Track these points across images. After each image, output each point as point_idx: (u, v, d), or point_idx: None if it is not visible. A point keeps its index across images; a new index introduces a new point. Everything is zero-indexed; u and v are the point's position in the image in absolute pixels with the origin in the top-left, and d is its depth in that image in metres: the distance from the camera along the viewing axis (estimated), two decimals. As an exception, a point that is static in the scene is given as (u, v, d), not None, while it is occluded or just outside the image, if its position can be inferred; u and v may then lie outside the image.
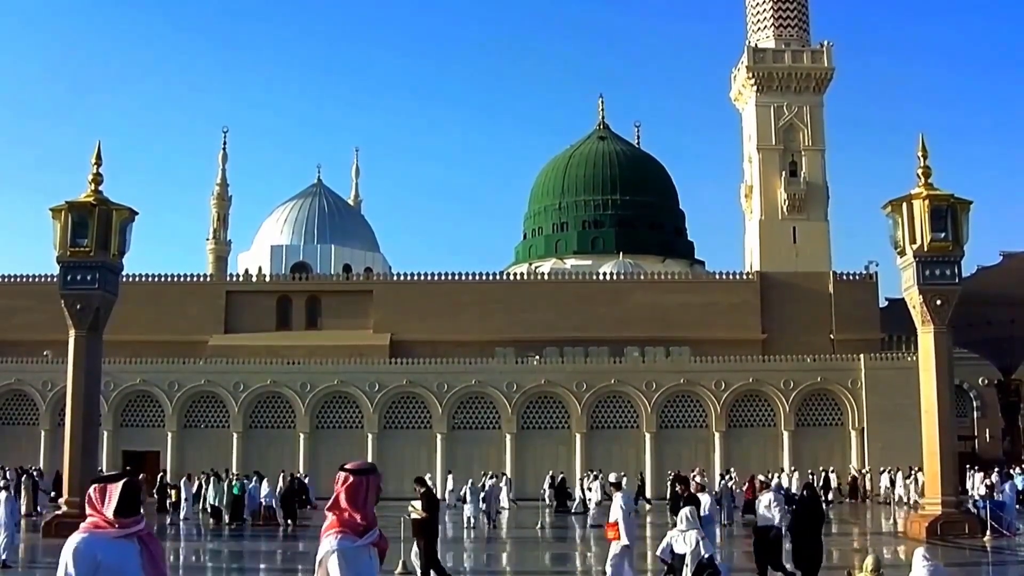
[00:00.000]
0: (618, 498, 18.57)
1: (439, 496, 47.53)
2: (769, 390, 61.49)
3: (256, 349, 65.37)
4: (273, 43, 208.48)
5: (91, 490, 6.03)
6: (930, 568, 12.84)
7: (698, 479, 21.04)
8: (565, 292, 71.85)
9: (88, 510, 6.01)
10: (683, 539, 17.27)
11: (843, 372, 61.68)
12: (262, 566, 30.03)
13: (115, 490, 5.96)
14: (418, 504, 20.61)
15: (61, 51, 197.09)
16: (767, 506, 20.09)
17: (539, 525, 39.75)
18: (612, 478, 20.75)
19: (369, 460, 6.67)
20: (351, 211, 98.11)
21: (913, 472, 50.19)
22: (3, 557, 24.35)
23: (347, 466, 6.35)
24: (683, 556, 17.17)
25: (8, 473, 45.50)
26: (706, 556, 16.87)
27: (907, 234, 32.33)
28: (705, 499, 19.42)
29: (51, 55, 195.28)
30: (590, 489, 43.60)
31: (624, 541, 17.92)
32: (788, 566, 19.91)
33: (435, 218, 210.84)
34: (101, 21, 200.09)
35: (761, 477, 47.48)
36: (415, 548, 20.44)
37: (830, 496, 51.66)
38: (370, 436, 60.83)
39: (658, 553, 18.36)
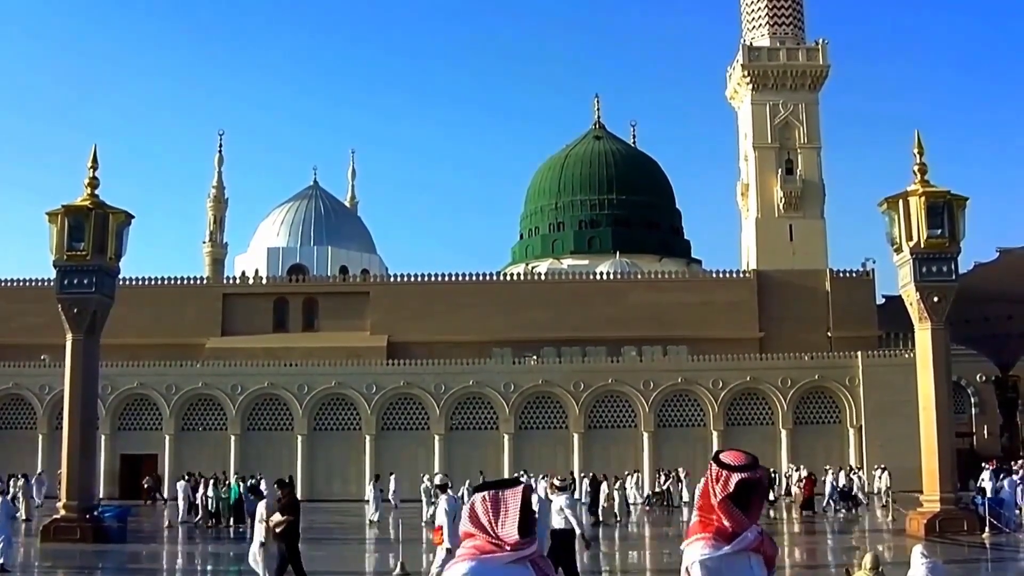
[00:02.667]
0: (442, 501, 18.42)
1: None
2: (767, 388, 61.50)
3: (253, 351, 65.32)
4: (268, 45, 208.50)
5: (475, 501, 4.76)
6: (928, 565, 12.84)
7: (556, 481, 20.34)
8: (562, 292, 71.84)
9: (470, 526, 4.74)
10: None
11: (841, 370, 61.70)
12: (263, 566, 29.95)
13: (513, 500, 4.69)
14: (277, 516, 19.15)
15: (57, 54, 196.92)
16: (559, 510, 18.68)
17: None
18: (438, 480, 20.20)
19: (731, 452, 5.40)
20: (347, 212, 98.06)
21: (875, 471, 52.44)
22: (0, 561, 24.29)
23: (722, 457, 5.32)
24: None
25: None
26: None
27: (903, 231, 32.33)
28: (562, 498, 18.70)
29: (47, 58, 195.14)
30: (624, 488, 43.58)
31: (447, 544, 17.82)
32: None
33: (431, 219, 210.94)
34: (97, 24, 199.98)
35: (803, 473, 47.93)
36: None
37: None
38: (368, 437, 60.79)
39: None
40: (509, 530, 4.62)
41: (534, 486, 51.60)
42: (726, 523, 5.12)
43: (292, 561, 19.00)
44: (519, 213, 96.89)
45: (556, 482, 19.78)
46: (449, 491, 19.28)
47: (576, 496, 37.74)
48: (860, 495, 50.04)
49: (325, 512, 49.22)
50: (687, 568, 5.18)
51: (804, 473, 48.64)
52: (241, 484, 41.80)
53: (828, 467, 51.78)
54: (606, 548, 33.51)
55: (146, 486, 55.36)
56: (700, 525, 5.21)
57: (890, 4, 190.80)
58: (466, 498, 39.43)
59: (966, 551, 27.94)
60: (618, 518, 41.03)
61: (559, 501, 18.35)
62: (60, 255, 32.43)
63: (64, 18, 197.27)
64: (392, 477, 49.50)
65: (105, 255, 32.54)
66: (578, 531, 18.57)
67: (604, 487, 42.70)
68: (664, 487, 53.68)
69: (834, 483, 47.76)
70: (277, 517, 18.77)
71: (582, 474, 45.60)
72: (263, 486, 36.29)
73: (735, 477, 5.15)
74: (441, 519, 17.87)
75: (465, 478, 45.71)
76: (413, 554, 26.12)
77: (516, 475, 47.64)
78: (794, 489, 52.46)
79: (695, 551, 5.16)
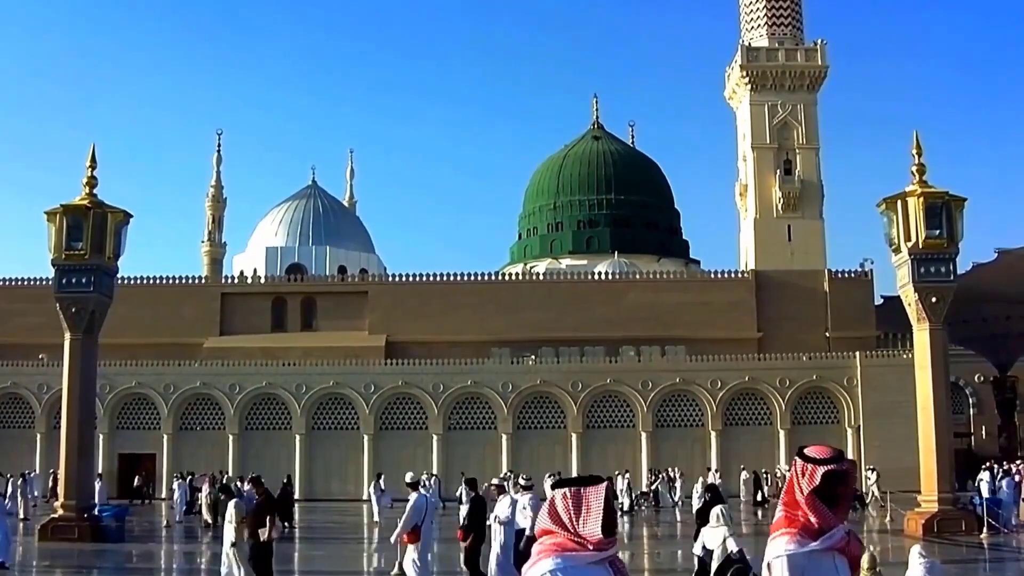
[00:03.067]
0: (412, 498, 18.41)
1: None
2: (765, 388, 61.50)
3: (251, 351, 65.33)
4: (267, 45, 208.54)
5: (555, 497, 4.62)
6: (926, 565, 12.83)
7: (522, 480, 20.19)
8: (560, 292, 71.85)
9: (550, 523, 4.60)
10: (712, 536, 17.27)
11: (839, 370, 61.69)
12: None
13: (595, 498, 4.55)
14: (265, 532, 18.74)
15: (56, 53, 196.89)
16: (522, 508, 18.51)
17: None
18: (408, 478, 20.02)
19: (816, 447, 5.14)
20: (346, 212, 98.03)
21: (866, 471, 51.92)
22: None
23: (807, 452, 5.11)
24: (712, 552, 17.17)
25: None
26: (735, 551, 16.82)
27: (902, 231, 32.35)
28: (526, 498, 18.60)
29: (46, 57, 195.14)
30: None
31: (416, 546, 17.81)
32: None
33: (430, 219, 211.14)
34: (96, 23, 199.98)
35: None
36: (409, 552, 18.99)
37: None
38: (366, 437, 60.79)
39: (694, 551, 18.34)
40: (592, 528, 4.49)
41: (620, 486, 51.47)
42: (812, 519, 4.95)
43: (265, 563, 18.82)
44: (517, 213, 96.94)
45: (522, 482, 19.71)
46: (421, 489, 19.14)
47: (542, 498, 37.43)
48: (876, 493, 50.07)
49: (324, 512, 49.30)
50: (768, 563, 5.02)
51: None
52: (239, 483, 41.81)
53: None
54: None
55: (135, 484, 55.25)
56: (785, 520, 5.04)
57: (888, 5, 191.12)
58: (463, 498, 39.38)
59: (964, 551, 27.95)
60: None
61: (523, 500, 18.32)
62: (58, 254, 32.40)
63: (63, 17, 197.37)
64: (381, 478, 48.85)
65: (103, 254, 32.51)
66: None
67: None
68: (653, 487, 53.65)
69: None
70: (266, 533, 18.55)
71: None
72: (245, 485, 36.25)
73: (821, 470, 4.97)
74: (413, 517, 17.77)
75: (461, 478, 45.57)
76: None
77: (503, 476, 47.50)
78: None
79: (779, 546, 4.99)
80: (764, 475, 53.49)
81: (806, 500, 4.96)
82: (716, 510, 17.50)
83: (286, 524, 39.24)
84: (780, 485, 56.99)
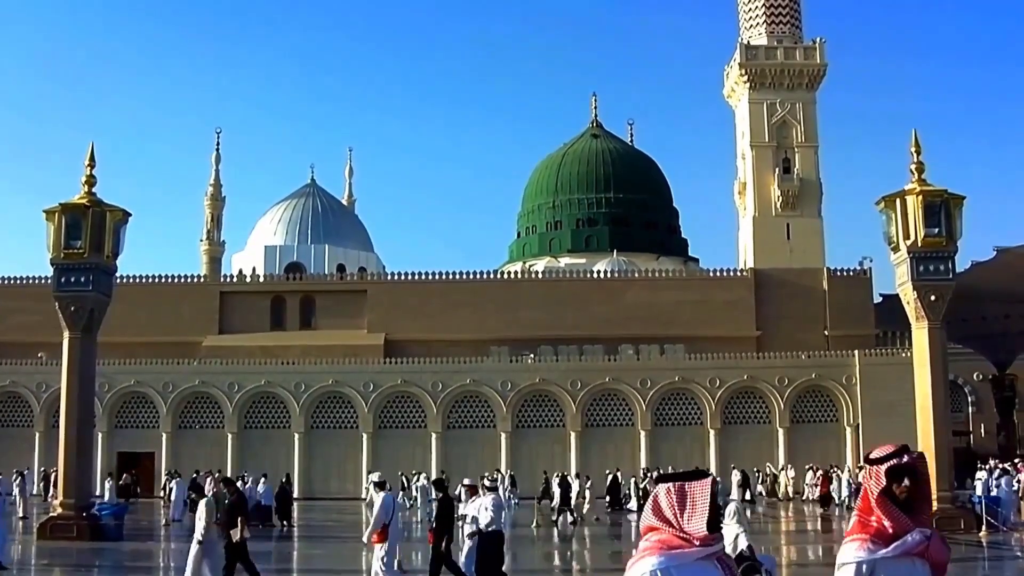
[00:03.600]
0: (380, 498, 18.47)
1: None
2: (764, 387, 61.51)
3: (250, 349, 65.35)
4: (266, 44, 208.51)
5: (659, 493, 4.53)
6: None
7: (486, 481, 20.15)
8: (559, 290, 71.88)
9: (654, 519, 4.51)
10: (725, 533, 17.34)
11: (838, 368, 61.69)
12: (260, 566, 29.99)
13: (700, 493, 4.44)
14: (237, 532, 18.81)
15: (54, 52, 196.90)
16: (484, 509, 18.35)
17: (534, 524, 39.61)
18: (375, 478, 20.07)
19: (879, 447, 4.91)
20: (345, 211, 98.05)
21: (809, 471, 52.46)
22: (-1, 560, 24.25)
23: (871, 455, 5.05)
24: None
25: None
26: (745, 549, 16.91)
27: (901, 230, 32.34)
28: (488, 498, 18.68)
29: (45, 56, 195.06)
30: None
31: (385, 545, 17.88)
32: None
33: (429, 217, 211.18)
34: (94, 22, 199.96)
35: (818, 472, 47.99)
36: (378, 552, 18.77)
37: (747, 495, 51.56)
38: (365, 436, 60.79)
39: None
40: (697, 524, 4.37)
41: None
42: (886, 524, 4.82)
43: (241, 558, 18.77)
44: (516, 212, 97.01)
45: (486, 483, 19.72)
46: (386, 491, 19.14)
47: (509, 497, 37.37)
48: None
49: (323, 510, 49.30)
50: (839, 567, 4.91)
51: (820, 472, 49.09)
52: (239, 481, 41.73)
53: (834, 465, 52.60)
54: (577, 546, 33.67)
55: (121, 483, 54.93)
56: (859, 526, 4.93)
57: (887, 3, 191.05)
58: (462, 497, 39.35)
59: (963, 550, 27.93)
60: (575, 517, 40.48)
61: (486, 500, 18.39)
62: (57, 253, 32.37)
63: (63, 17, 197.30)
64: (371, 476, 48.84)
65: (102, 253, 32.50)
66: (505, 531, 18.53)
67: (576, 485, 42.88)
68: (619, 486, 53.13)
69: (851, 481, 47.74)
70: (237, 534, 18.63)
71: (556, 475, 45.34)
72: (237, 485, 36.18)
73: (883, 467, 4.89)
74: (382, 517, 17.83)
75: (462, 476, 45.54)
76: (409, 552, 26.16)
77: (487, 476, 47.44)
78: (806, 488, 52.96)
79: (849, 552, 4.88)
80: (755, 473, 53.35)
81: (877, 503, 4.86)
82: (731, 507, 17.59)
83: (284, 523, 39.34)
84: (771, 484, 57.25)
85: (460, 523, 19.26)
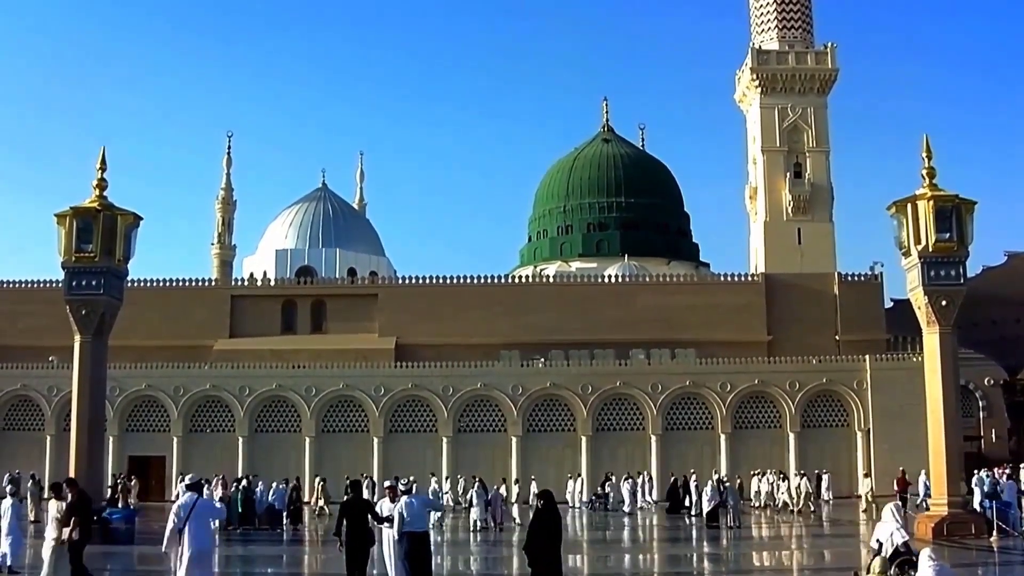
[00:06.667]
0: (385, 504, 19.18)
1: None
2: (775, 392, 61.46)
3: (261, 353, 65.42)
4: (277, 47, 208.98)
5: None
6: (936, 568, 12.85)
7: (401, 486, 20.22)
8: (570, 295, 71.84)
9: None
10: (883, 530, 18.17)
11: (848, 373, 61.60)
12: (269, 570, 30.12)
13: None
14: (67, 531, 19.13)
15: (65, 55, 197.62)
16: (398, 511, 18.83)
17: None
18: (388, 482, 20.75)
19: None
20: (356, 215, 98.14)
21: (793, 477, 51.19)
22: (9, 564, 24.30)
23: None
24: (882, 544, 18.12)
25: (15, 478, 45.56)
26: (901, 544, 17.76)
27: (912, 235, 32.29)
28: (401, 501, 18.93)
29: (55, 59, 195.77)
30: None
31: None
32: None
33: (440, 221, 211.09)
34: (105, 24, 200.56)
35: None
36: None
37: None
38: (376, 440, 60.86)
39: (871, 543, 19.02)
40: None
41: (572, 488, 52.33)
42: None
43: (74, 561, 18.99)
44: (527, 216, 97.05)
45: (401, 486, 19.88)
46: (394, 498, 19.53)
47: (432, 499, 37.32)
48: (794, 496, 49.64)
49: (333, 515, 49.22)
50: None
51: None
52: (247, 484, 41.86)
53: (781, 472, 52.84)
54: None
55: (111, 484, 54.39)
56: None
57: (899, 7, 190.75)
58: (473, 500, 39.29)
59: (974, 555, 27.89)
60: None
61: (401, 502, 18.68)
62: (68, 257, 32.53)
63: (72, 19, 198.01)
64: (366, 481, 48.25)
65: (113, 257, 32.65)
66: (397, 532, 18.70)
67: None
68: (605, 491, 53.02)
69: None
70: (67, 532, 18.92)
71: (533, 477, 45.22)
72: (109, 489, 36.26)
73: None
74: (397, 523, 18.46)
75: (472, 481, 45.59)
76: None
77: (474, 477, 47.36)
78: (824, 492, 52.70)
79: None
80: (757, 475, 52.83)
81: None
82: (888, 507, 18.61)
83: (295, 527, 39.41)
84: (777, 490, 56.86)
85: (377, 525, 19.52)
